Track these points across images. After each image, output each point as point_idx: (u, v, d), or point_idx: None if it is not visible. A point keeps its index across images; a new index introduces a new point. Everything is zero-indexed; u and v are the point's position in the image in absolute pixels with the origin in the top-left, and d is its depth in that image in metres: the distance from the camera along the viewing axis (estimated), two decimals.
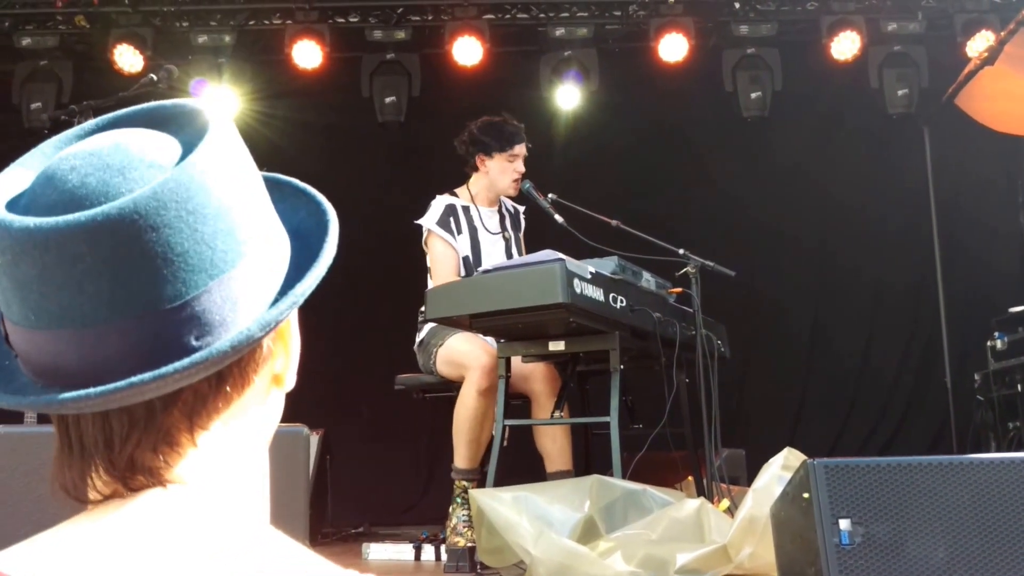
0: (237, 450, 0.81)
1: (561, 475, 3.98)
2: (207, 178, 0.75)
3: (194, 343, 0.73)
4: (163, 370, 0.72)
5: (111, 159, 0.75)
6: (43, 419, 4.75)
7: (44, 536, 0.74)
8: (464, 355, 4.08)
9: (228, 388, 0.79)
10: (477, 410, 3.97)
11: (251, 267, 0.77)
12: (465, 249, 4.37)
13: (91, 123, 0.82)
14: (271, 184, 0.88)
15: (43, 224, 0.70)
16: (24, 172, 0.78)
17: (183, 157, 0.76)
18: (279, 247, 0.82)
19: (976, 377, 6.12)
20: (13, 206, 0.74)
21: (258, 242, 0.78)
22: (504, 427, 3.76)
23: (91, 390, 0.71)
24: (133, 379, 0.71)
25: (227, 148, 0.78)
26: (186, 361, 0.72)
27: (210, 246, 0.74)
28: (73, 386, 0.72)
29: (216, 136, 0.77)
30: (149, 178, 0.73)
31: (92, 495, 0.76)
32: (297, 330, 0.88)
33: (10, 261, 0.72)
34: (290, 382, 0.88)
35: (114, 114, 0.83)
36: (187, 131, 0.79)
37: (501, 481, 3.59)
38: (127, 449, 0.75)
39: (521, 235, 4.65)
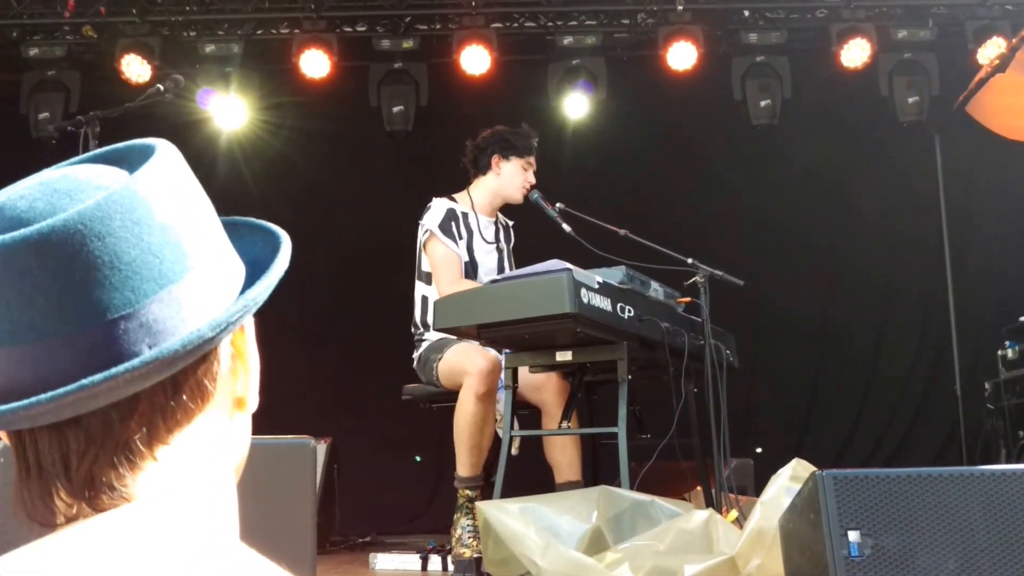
0: (202, 472, 0.80)
1: (570, 486, 3.96)
2: (152, 195, 0.76)
3: (146, 350, 0.73)
4: (113, 371, 0.71)
5: (58, 185, 0.76)
6: None
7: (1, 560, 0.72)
8: (462, 361, 4.04)
9: (186, 399, 0.78)
10: (476, 415, 3.94)
11: (200, 280, 0.77)
12: (464, 256, 4.35)
13: (56, 165, 0.83)
14: (228, 225, 0.88)
15: None
16: None
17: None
18: (232, 269, 0.82)
19: (986, 386, 6.09)
20: None
21: (207, 258, 0.79)
22: (512, 437, 3.75)
23: (41, 396, 0.70)
24: (84, 381, 0.70)
25: (172, 172, 0.79)
26: (136, 361, 0.72)
27: (157, 256, 0.74)
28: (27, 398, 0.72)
29: (161, 160, 0.79)
30: (96, 197, 0.74)
31: (56, 519, 0.75)
32: (255, 349, 0.87)
33: None
34: (252, 403, 0.87)
35: (77, 157, 0.84)
36: (136, 163, 0.79)
37: (509, 492, 3.57)
38: (84, 466, 0.74)
39: (511, 249, 4.64)
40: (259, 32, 6.42)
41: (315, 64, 6.13)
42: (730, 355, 4.32)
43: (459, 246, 4.32)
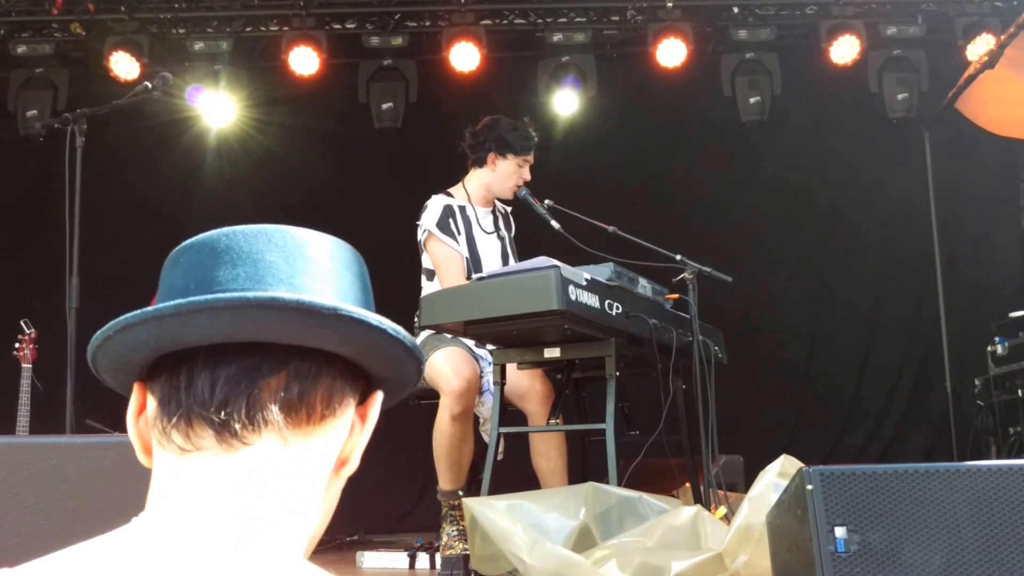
0: (302, 477, 0.89)
1: None
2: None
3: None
4: (316, 301, 0.84)
5: None
6: (34, 431, 4.75)
7: (58, 556, 0.79)
8: (439, 377, 4.02)
9: (317, 396, 0.89)
10: (453, 435, 3.95)
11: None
12: (464, 251, 4.33)
13: None
14: None
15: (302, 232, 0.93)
16: None
17: None
18: None
19: (976, 382, 6.11)
20: None
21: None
22: (499, 437, 3.74)
23: (303, 297, 0.84)
24: (302, 298, 0.83)
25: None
26: (331, 303, 0.85)
27: (366, 295, 0.97)
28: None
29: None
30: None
31: (180, 442, 0.85)
32: (374, 425, 0.97)
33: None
34: (351, 467, 0.96)
35: None
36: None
37: (495, 490, 3.57)
38: (221, 395, 0.85)
39: (512, 236, 4.63)
40: (248, 29, 6.40)
41: (304, 61, 6.11)
42: (718, 351, 4.32)
43: (459, 242, 4.30)
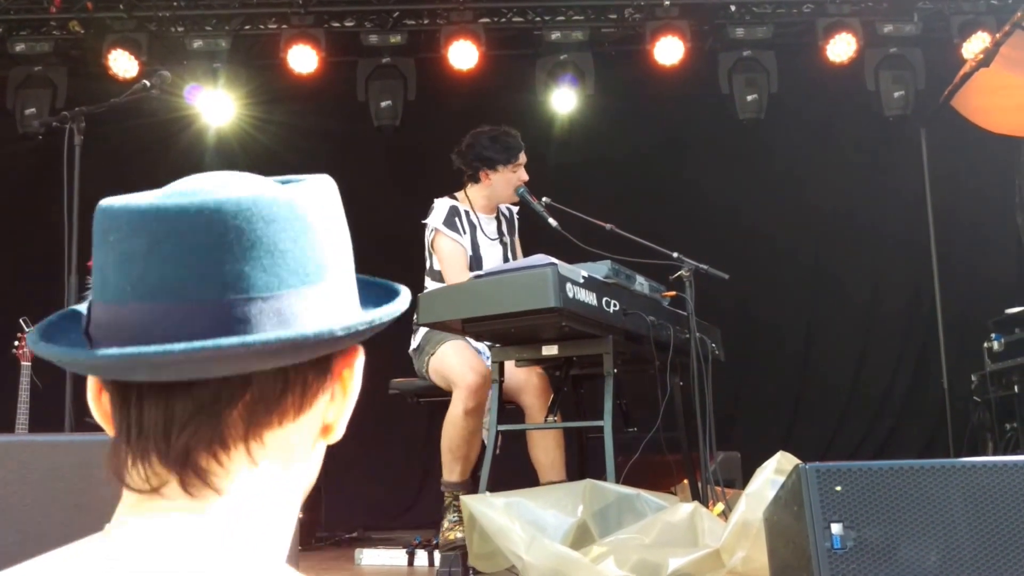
0: (282, 484, 0.83)
1: None
2: (316, 206, 0.83)
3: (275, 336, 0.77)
4: (248, 338, 0.74)
5: (243, 177, 0.83)
6: (33, 428, 4.76)
7: (56, 555, 0.74)
8: (452, 371, 4.05)
9: (288, 402, 0.82)
10: (465, 429, 3.96)
11: (334, 292, 0.83)
12: (468, 250, 4.36)
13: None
14: (362, 283, 0.93)
15: (168, 202, 0.76)
16: (152, 193, 0.84)
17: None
18: (356, 300, 0.89)
19: (973, 378, 6.11)
20: None
21: (342, 277, 0.85)
22: (497, 434, 3.75)
23: (175, 345, 0.73)
24: (220, 341, 0.74)
25: (331, 199, 0.87)
26: (272, 336, 0.75)
27: (308, 256, 0.80)
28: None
29: (324, 185, 0.86)
30: (272, 192, 0.80)
31: (140, 483, 0.78)
32: (358, 386, 0.90)
33: (123, 235, 0.77)
34: (338, 433, 0.90)
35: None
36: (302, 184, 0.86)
37: (494, 490, 3.59)
38: (183, 438, 0.77)
39: (516, 237, 4.65)
40: (247, 28, 6.41)
41: (303, 60, 6.13)
42: (716, 348, 4.34)
43: (464, 239, 4.35)
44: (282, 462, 0.83)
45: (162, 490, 0.77)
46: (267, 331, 0.76)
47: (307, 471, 0.87)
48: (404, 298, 0.90)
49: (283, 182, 0.86)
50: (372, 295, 0.92)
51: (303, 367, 0.81)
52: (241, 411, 0.79)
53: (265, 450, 0.80)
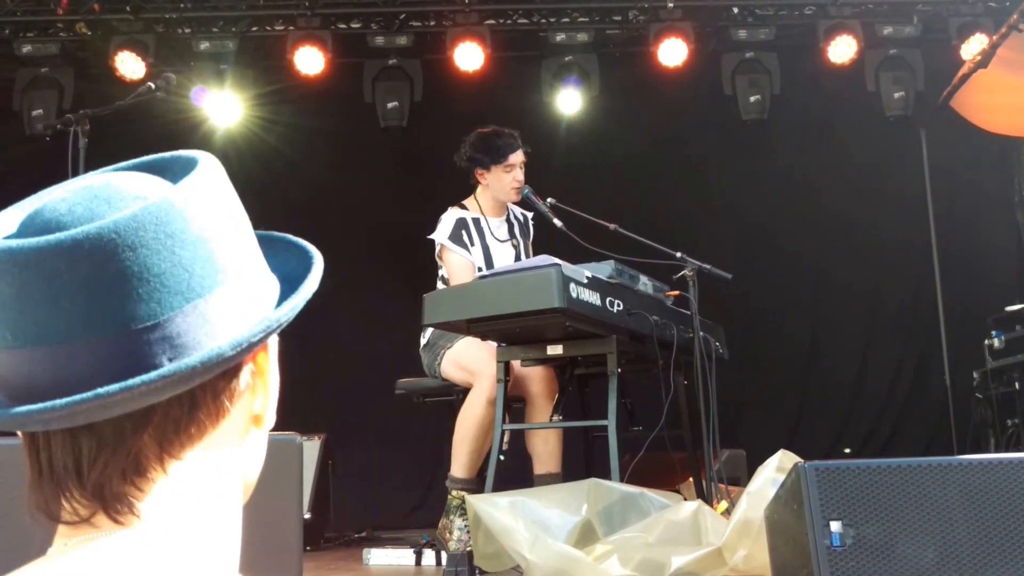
0: (212, 489, 0.80)
1: (549, 478, 3.99)
2: (188, 207, 0.76)
3: (166, 363, 0.74)
4: (129, 382, 0.71)
5: (100, 192, 0.77)
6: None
7: None
8: (475, 361, 4.08)
9: (202, 415, 0.78)
10: (485, 419, 3.97)
11: (230, 296, 0.78)
12: (479, 260, 4.39)
13: (101, 170, 0.84)
14: (264, 240, 0.90)
15: (25, 244, 0.72)
16: (22, 211, 0.80)
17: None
18: (264, 285, 0.83)
19: (975, 375, 6.14)
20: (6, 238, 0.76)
21: (238, 274, 0.79)
22: (503, 433, 3.78)
23: (56, 401, 0.71)
24: (99, 390, 0.71)
25: (212, 186, 0.80)
26: (154, 374, 0.72)
27: (187, 270, 0.75)
28: (42, 402, 0.72)
29: (202, 174, 0.80)
30: (134, 207, 0.75)
31: (67, 516, 0.76)
32: (276, 368, 0.88)
33: None
34: (269, 421, 0.87)
35: (117, 164, 0.85)
36: (179, 174, 0.80)
37: (497, 487, 3.62)
38: (95, 473, 0.75)
39: (530, 242, 4.68)
40: (254, 29, 6.44)
41: (310, 61, 6.16)
42: (719, 347, 4.36)
43: (472, 252, 4.39)
44: (212, 467, 0.80)
45: (92, 520, 0.75)
46: (159, 359, 0.73)
47: (245, 466, 0.85)
48: (312, 278, 0.85)
49: (159, 163, 0.83)
50: (283, 260, 0.89)
51: (213, 378, 0.78)
52: (152, 434, 0.76)
53: (187, 463, 0.78)
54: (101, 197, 0.76)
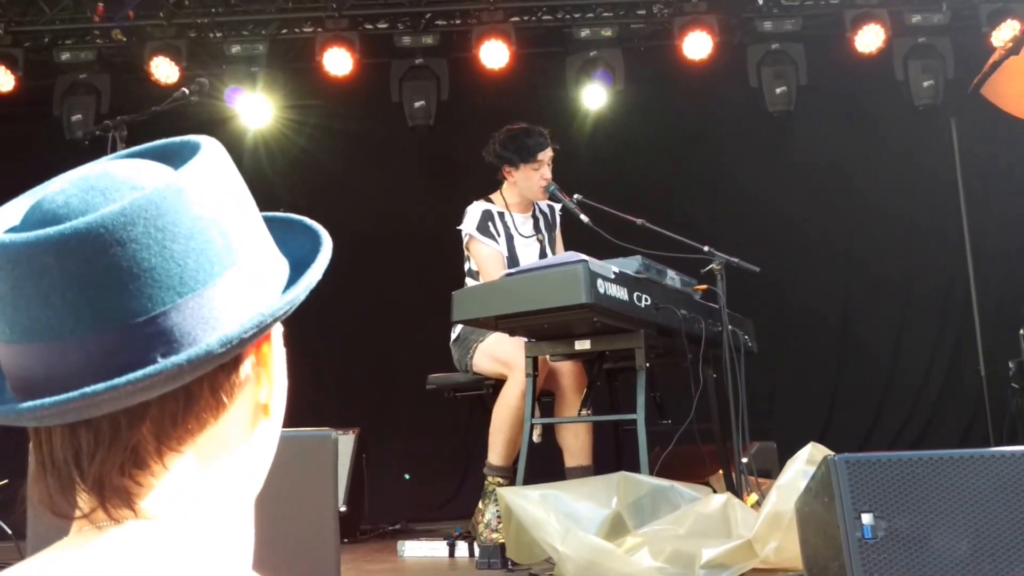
0: (218, 480, 0.80)
1: (580, 470, 4.03)
2: (183, 198, 0.75)
3: (159, 359, 0.73)
4: (115, 381, 0.71)
5: (96, 182, 0.76)
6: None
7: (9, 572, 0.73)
8: (508, 353, 4.13)
9: (200, 409, 0.78)
10: (520, 409, 3.99)
11: (227, 288, 0.77)
12: (504, 252, 4.44)
13: (103, 158, 0.84)
14: (280, 222, 0.89)
15: (16, 239, 0.72)
16: (31, 198, 0.81)
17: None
18: (272, 270, 0.82)
19: (1010, 365, 6.09)
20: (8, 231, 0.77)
21: (242, 261, 0.78)
22: (531, 428, 3.82)
23: (45, 400, 0.71)
24: (86, 390, 0.70)
25: (214, 171, 0.79)
26: (139, 373, 0.71)
27: (179, 263, 0.74)
28: (36, 398, 0.72)
29: (204, 159, 0.78)
30: (126, 199, 0.74)
31: (72, 509, 0.76)
32: (282, 356, 0.87)
33: None
34: (277, 412, 0.86)
35: (126, 150, 0.84)
36: (182, 160, 0.79)
37: (528, 479, 3.66)
38: (94, 467, 0.74)
39: (557, 233, 4.71)
40: (283, 32, 6.52)
41: (338, 62, 6.22)
42: (748, 340, 4.37)
43: (499, 243, 4.44)
44: (216, 460, 0.79)
45: (95, 513, 0.75)
46: (151, 355, 0.72)
47: (252, 459, 0.84)
48: (318, 264, 0.83)
49: (166, 148, 0.82)
50: (299, 244, 0.87)
51: (203, 376, 0.77)
52: (149, 429, 0.75)
53: (187, 457, 0.77)
54: (97, 188, 0.76)
